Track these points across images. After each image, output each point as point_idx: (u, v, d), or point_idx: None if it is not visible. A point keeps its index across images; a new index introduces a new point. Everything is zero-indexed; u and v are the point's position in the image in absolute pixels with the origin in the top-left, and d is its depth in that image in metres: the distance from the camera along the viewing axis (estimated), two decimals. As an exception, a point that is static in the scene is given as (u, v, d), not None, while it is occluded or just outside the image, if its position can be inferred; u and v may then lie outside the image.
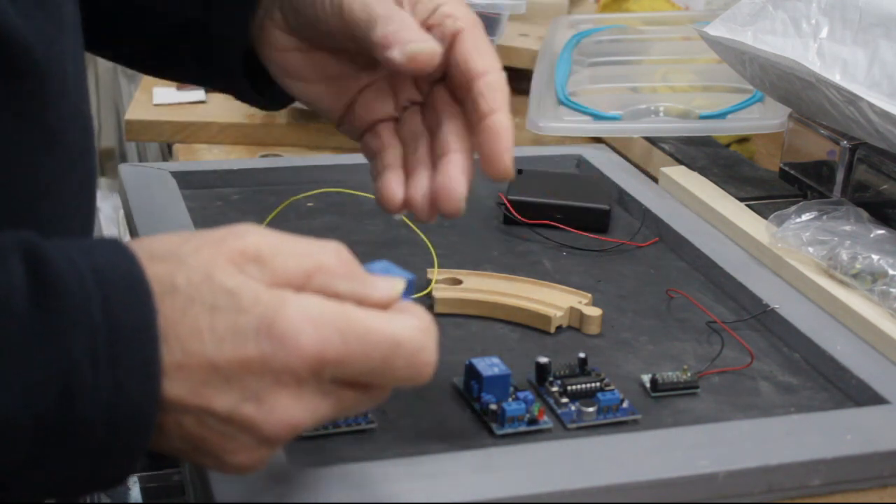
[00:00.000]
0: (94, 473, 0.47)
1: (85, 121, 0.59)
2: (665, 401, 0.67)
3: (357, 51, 0.65)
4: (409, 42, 0.59)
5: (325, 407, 0.49)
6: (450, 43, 0.61)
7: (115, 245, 0.49)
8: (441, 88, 0.64)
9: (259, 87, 0.73)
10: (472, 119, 0.61)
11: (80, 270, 0.46)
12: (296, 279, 0.49)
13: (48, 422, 0.45)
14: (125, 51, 0.79)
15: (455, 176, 0.61)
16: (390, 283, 0.51)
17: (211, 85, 0.78)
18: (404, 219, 0.77)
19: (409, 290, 0.53)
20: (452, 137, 0.62)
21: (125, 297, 0.46)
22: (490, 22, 1.07)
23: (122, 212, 0.93)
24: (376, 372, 0.49)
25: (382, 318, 0.49)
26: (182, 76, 0.81)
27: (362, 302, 0.50)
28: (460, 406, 0.65)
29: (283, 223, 0.79)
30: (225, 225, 0.51)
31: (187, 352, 0.47)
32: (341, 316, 0.48)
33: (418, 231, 0.78)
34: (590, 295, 0.76)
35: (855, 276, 0.76)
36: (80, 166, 0.58)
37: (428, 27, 0.62)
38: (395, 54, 0.59)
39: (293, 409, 0.48)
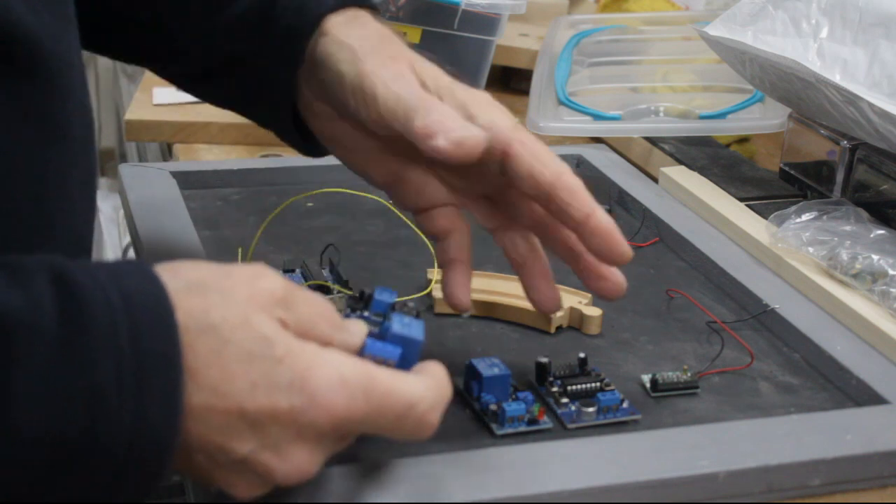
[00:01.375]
0: (110, 497, 0.47)
1: (87, 115, 0.59)
2: (665, 401, 0.67)
3: (396, 137, 0.63)
4: (452, 130, 0.58)
5: (330, 453, 0.51)
6: (503, 154, 0.61)
7: (143, 270, 0.49)
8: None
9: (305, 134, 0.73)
10: (568, 225, 0.61)
11: (108, 296, 0.47)
12: (307, 324, 0.51)
13: (69, 445, 0.45)
14: (175, 72, 0.78)
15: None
16: (358, 327, 0.54)
17: (258, 120, 0.77)
18: (408, 221, 0.77)
19: (413, 355, 0.54)
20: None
21: (152, 325, 0.47)
22: (490, 22, 1.07)
23: (122, 212, 0.93)
24: (386, 428, 0.51)
25: (400, 378, 0.51)
26: (229, 105, 0.79)
27: (348, 348, 0.52)
28: (460, 406, 0.64)
29: (283, 223, 0.79)
30: (239, 258, 0.53)
31: (218, 393, 0.48)
32: (366, 376, 0.50)
33: (418, 231, 0.78)
34: (590, 295, 0.76)
35: (855, 276, 0.75)
36: (83, 160, 0.59)
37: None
38: (441, 142, 0.58)
39: (307, 461, 0.50)
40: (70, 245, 0.58)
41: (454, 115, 0.60)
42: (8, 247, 0.54)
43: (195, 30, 0.73)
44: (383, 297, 0.59)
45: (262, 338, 0.48)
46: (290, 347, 0.49)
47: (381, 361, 0.53)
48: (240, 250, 0.78)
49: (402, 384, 0.51)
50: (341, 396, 0.49)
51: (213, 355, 0.48)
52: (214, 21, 0.72)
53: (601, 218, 0.60)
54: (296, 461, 0.49)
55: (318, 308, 0.52)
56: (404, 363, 0.53)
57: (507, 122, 0.62)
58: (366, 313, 0.59)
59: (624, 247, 0.60)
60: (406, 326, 0.55)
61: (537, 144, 0.62)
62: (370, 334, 0.54)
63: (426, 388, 0.51)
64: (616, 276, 0.63)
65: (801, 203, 0.83)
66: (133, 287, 0.47)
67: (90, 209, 0.61)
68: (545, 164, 0.60)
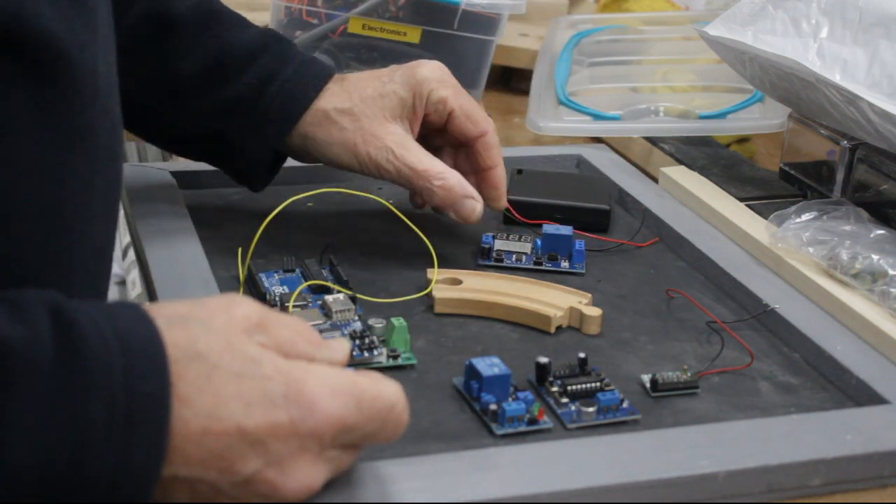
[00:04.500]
0: None
1: (114, 123, 0.59)
2: (665, 401, 0.67)
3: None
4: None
5: (333, 470, 0.53)
6: (446, 119, 0.80)
7: (136, 311, 0.50)
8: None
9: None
10: (475, 166, 0.82)
11: (104, 335, 0.47)
12: (288, 345, 0.52)
13: (55, 478, 0.45)
14: (154, 136, 0.87)
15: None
16: (341, 344, 0.56)
17: (229, 174, 0.87)
18: (408, 222, 0.77)
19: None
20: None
21: (146, 366, 0.47)
22: (490, 22, 1.07)
23: (122, 212, 0.93)
24: (375, 433, 0.53)
25: (380, 383, 0.53)
26: (201, 160, 0.88)
27: (331, 364, 0.54)
28: (460, 406, 0.65)
29: (284, 223, 0.79)
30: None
31: (214, 417, 0.48)
32: (353, 384, 0.52)
33: (418, 231, 0.78)
34: (590, 295, 0.76)
35: (855, 276, 0.75)
36: (107, 168, 0.59)
37: (427, 115, 0.80)
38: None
39: (312, 474, 0.51)
40: (89, 253, 0.59)
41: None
42: (24, 251, 0.54)
43: (185, 109, 0.81)
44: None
45: (248, 358, 0.50)
46: (278, 365, 0.50)
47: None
48: (240, 250, 0.78)
49: (384, 388, 0.52)
50: (336, 404, 0.50)
51: (203, 381, 0.48)
52: (206, 102, 0.80)
53: (500, 174, 0.82)
54: (300, 476, 0.50)
55: (296, 329, 0.53)
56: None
57: (451, 91, 0.80)
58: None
59: (502, 201, 0.83)
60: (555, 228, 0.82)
61: (472, 106, 0.80)
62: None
63: (397, 389, 0.53)
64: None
65: (801, 203, 0.83)
66: (127, 327, 0.48)
67: (112, 218, 0.61)
68: (474, 123, 0.80)
